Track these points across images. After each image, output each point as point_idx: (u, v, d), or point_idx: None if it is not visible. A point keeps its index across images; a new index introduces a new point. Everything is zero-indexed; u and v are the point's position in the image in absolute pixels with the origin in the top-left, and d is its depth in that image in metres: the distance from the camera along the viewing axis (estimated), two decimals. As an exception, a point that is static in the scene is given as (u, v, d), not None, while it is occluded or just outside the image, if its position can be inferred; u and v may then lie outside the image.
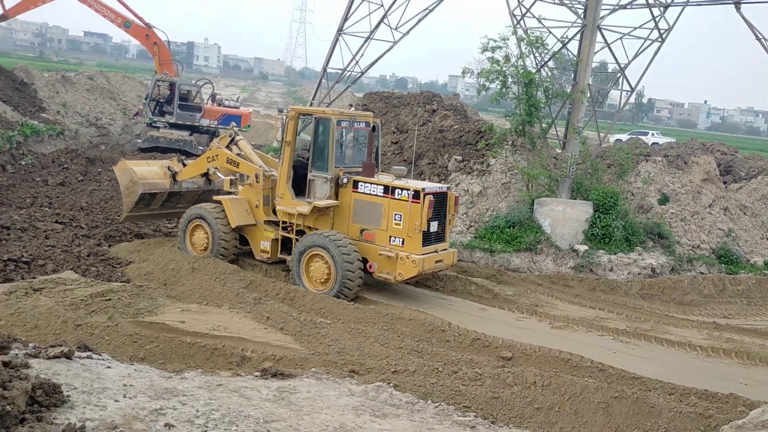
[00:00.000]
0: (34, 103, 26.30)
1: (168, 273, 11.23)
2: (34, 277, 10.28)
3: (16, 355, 5.48)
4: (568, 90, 16.79)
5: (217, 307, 9.66)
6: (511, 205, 15.66)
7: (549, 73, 16.90)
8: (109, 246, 12.91)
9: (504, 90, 15.88)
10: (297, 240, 11.63)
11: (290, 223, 11.81)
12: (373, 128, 12.02)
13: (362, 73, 26.49)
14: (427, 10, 24.03)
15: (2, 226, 12.71)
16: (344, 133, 11.70)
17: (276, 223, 12.08)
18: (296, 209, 11.56)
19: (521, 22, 16.66)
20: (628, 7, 17.41)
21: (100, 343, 7.62)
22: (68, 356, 5.79)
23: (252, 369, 7.20)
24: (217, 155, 12.90)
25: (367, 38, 25.03)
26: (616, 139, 35.27)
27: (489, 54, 15.64)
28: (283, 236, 11.93)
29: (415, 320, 9.83)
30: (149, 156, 23.02)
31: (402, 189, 10.94)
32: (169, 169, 13.35)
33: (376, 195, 11.18)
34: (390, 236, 11.06)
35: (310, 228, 11.65)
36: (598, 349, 9.85)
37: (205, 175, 13.48)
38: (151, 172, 13.21)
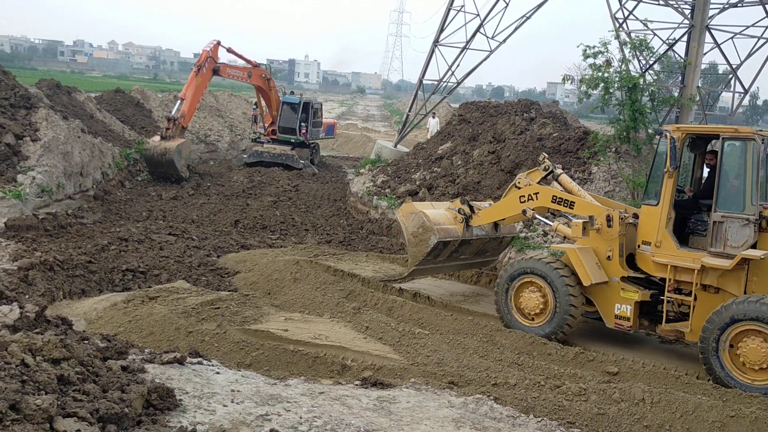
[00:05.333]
0: (149, 122, 28.05)
1: (272, 283, 11.58)
2: (150, 286, 10.89)
3: (134, 360, 5.81)
4: (676, 93, 16.09)
5: (318, 316, 9.87)
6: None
7: (654, 77, 16.25)
8: (218, 257, 13.46)
9: (607, 96, 15.40)
10: (678, 302, 8.94)
11: (675, 280, 8.95)
12: None
13: (458, 84, 26.54)
14: (524, 18, 23.80)
15: (121, 239, 13.54)
16: (763, 158, 8.74)
17: (637, 281, 9.52)
18: (704, 262, 8.54)
19: (623, 25, 16.14)
20: (738, 5, 16.52)
21: (210, 349, 7.95)
22: (181, 362, 6.09)
23: (352, 378, 7.29)
24: (536, 193, 10.40)
25: (463, 48, 25.05)
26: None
27: (591, 60, 15.23)
28: (668, 298, 9.00)
29: (515, 332, 9.65)
30: (254, 170, 24.01)
31: None
32: (460, 213, 11.15)
33: None
34: None
35: (705, 288, 8.77)
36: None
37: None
38: (441, 217, 11.14)
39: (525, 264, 9.90)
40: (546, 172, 10.76)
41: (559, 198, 10.17)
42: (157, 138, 21.31)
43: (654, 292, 9.33)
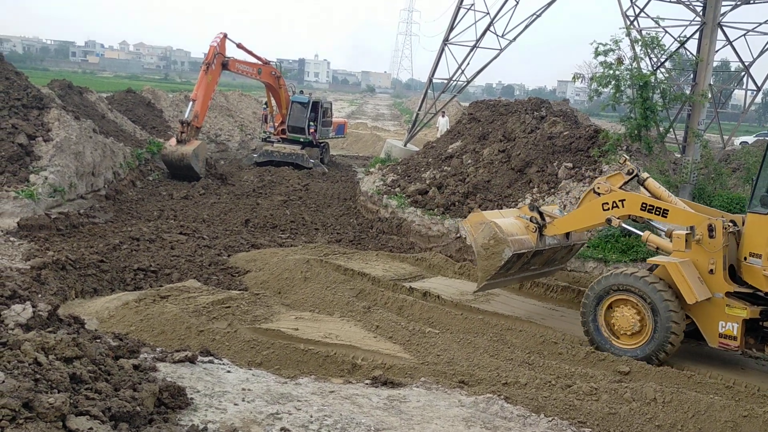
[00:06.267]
0: (160, 122, 28.18)
1: (282, 282, 11.61)
2: (161, 285, 10.94)
3: (145, 358, 5.84)
4: (688, 91, 15.99)
5: (328, 315, 9.89)
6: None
7: (666, 75, 16.16)
8: (228, 256, 13.50)
9: (618, 94, 15.34)
10: None
11: None
12: None
13: (468, 82, 26.48)
14: (535, 16, 23.70)
15: (133, 238, 13.61)
16: None
17: (741, 295, 8.66)
18: None
19: (635, 23, 16.05)
20: (751, 2, 16.39)
21: (221, 348, 7.99)
22: (192, 360, 6.12)
23: (362, 377, 7.30)
24: (622, 200, 9.53)
25: (473, 47, 24.98)
26: (742, 142, 33.20)
27: (602, 58, 15.17)
28: None
29: (526, 331, 9.63)
30: (264, 170, 24.05)
31: None
32: (532, 221, 10.42)
33: None
34: None
35: None
36: (724, 364, 9.25)
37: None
38: (513, 226, 10.34)
39: (618, 280, 9.00)
40: (629, 176, 9.79)
41: (650, 205, 9.27)
42: (173, 141, 21.53)
43: (764, 308, 8.52)
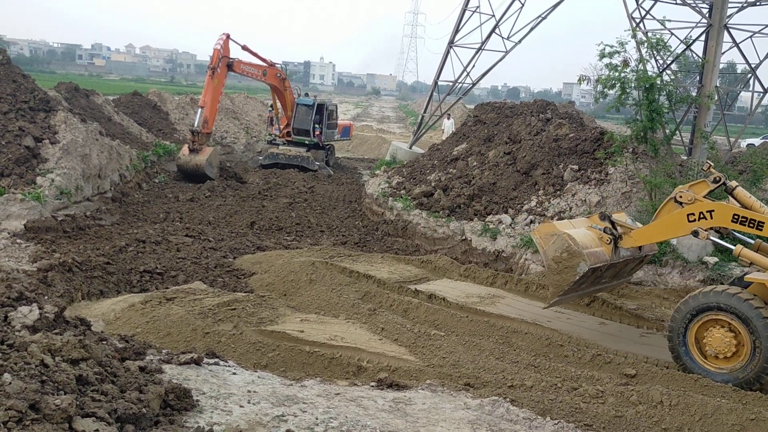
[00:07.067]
0: (166, 124, 28.29)
1: (287, 284, 11.61)
2: (167, 288, 10.96)
3: (151, 360, 5.85)
4: (694, 93, 15.95)
5: (333, 318, 9.88)
6: (632, 216, 14.97)
7: (672, 77, 16.12)
8: (234, 258, 13.51)
9: (623, 96, 15.31)
10: None
11: None
12: None
13: (473, 85, 26.46)
14: (540, 18, 23.69)
15: (138, 240, 13.64)
16: None
17: None
18: None
19: (641, 25, 16.02)
20: (757, 3, 16.36)
21: (226, 350, 7.99)
22: (197, 362, 6.13)
23: (368, 379, 7.29)
24: (710, 211, 8.75)
25: (479, 49, 24.98)
26: (749, 144, 33.08)
27: (607, 60, 15.15)
28: None
29: (532, 334, 9.60)
30: (270, 172, 24.08)
31: None
32: (606, 232, 9.63)
33: None
34: None
35: None
36: (731, 368, 9.20)
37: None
38: (587, 238, 9.56)
39: (713, 298, 8.25)
40: (716, 185, 9.02)
41: (743, 217, 8.44)
42: (186, 150, 21.69)
43: None
